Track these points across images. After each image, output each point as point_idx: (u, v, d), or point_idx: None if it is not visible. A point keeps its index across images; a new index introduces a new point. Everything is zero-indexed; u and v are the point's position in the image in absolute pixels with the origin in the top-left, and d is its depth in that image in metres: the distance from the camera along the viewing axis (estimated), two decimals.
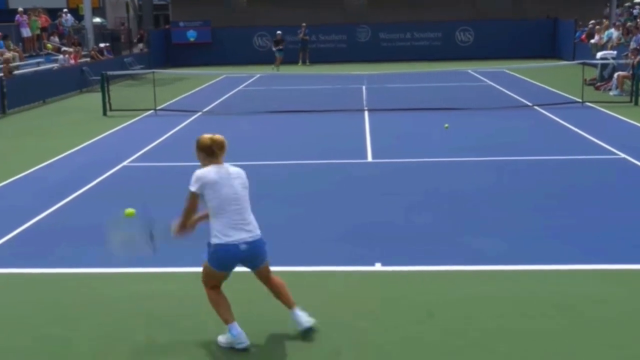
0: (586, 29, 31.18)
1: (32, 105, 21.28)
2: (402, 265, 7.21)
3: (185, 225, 5.46)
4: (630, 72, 19.77)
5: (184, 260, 6.89)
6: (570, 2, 36.77)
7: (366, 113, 17.73)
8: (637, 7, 35.27)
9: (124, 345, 5.58)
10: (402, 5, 37.65)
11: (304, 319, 5.61)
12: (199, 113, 18.43)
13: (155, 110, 18.75)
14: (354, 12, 37.81)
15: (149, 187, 10.85)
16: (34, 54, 28.10)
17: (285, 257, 7.55)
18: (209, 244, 5.34)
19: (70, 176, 11.57)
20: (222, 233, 5.27)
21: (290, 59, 32.45)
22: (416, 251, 7.67)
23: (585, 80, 20.31)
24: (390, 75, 24.32)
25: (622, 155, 12.15)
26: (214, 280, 5.46)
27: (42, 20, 29.50)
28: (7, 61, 21.97)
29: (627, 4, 37.97)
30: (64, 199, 10.06)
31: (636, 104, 18.25)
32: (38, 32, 28.90)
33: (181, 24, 36.49)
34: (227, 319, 5.42)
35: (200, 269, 5.57)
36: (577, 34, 32.00)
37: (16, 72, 22.84)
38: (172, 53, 35.78)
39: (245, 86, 25.44)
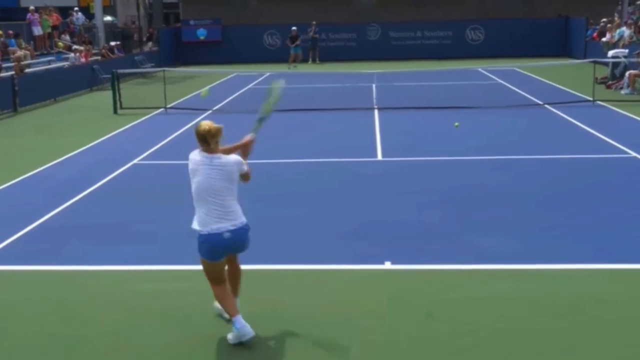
0: (597, 27, 31.01)
1: (43, 103, 21.38)
2: (412, 263, 7.21)
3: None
4: None
5: (195, 259, 6.89)
6: (581, 0, 36.57)
7: (376, 111, 17.71)
8: None
9: (135, 342, 5.61)
10: (412, 3, 37.56)
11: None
12: (209, 111, 18.46)
13: (165, 108, 18.80)
14: (364, 11, 37.77)
15: (159, 185, 10.88)
16: (45, 52, 28.24)
17: (294, 255, 7.58)
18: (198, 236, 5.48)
19: (80, 174, 11.62)
20: (203, 223, 5.41)
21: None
22: (425, 250, 7.66)
23: (597, 78, 20.22)
24: (400, 74, 24.28)
25: (633, 154, 12.09)
26: (213, 272, 5.53)
27: (53, 18, 29.65)
28: (18, 59, 22.09)
29: (638, 2, 37.74)
30: (74, 197, 10.10)
31: None
32: (49, 30, 29.05)
33: (191, 22, 36.55)
34: (231, 313, 5.48)
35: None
36: (589, 32, 31.84)
37: (27, 70, 22.96)
38: (182, 51, 35.84)
39: (255, 84, 25.46)
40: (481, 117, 16.67)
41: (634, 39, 25.64)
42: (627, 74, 20.65)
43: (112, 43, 31.22)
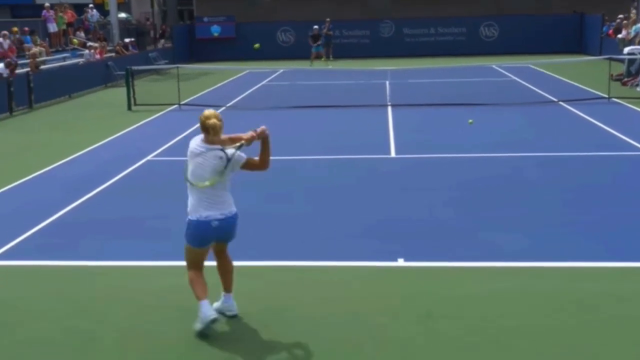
0: (613, 23, 30.78)
1: (58, 99, 21.50)
2: (425, 261, 7.19)
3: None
4: None
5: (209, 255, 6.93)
6: None
7: (389, 108, 17.68)
8: None
9: (148, 338, 5.63)
10: (425, 0, 37.44)
11: (233, 305, 5.86)
12: (223, 108, 18.50)
13: (179, 105, 18.86)
14: (378, 8, 37.68)
15: (172, 182, 10.90)
16: (60, 49, 28.39)
17: (307, 251, 7.59)
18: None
19: (94, 170, 11.68)
20: (193, 210, 5.56)
21: (310, 55, 31.96)
22: (439, 247, 7.64)
23: (612, 75, 20.08)
24: (414, 71, 24.22)
25: None
26: (194, 259, 5.65)
27: (68, 15, 29.79)
28: (33, 56, 22.22)
29: None
30: (88, 192, 10.16)
31: None
32: (64, 27, 29.19)
33: (205, 19, 36.62)
34: (198, 296, 5.58)
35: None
36: (604, 28, 31.61)
37: (43, 67, 23.10)
38: (196, 48, 35.91)
39: (268, 81, 25.49)
40: (495, 114, 16.60)
41: None
42: None
43: (127, 40, 31.34)
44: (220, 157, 5.53)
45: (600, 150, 12.38)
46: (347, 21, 35.94)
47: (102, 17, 33.83)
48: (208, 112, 5.68)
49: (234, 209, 5.64)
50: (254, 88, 23.37)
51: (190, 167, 5.61)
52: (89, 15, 32.26)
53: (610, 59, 20.78)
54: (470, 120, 14.73)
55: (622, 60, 22.44)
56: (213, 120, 5.56)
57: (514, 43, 34.33)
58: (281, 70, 28.09)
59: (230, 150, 5.59)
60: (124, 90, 19.72)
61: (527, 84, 22.22)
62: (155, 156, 12.62)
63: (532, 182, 10.36)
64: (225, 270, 5.88)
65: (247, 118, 16.88)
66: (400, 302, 6.19)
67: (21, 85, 19.32)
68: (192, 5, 42.46)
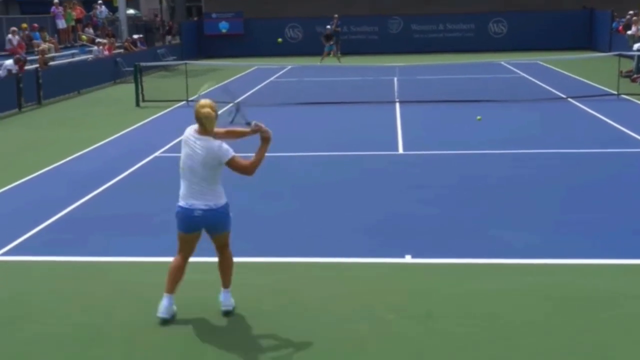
0: (623, 19, 30.62)
1: (67, 96, 21.56)
2: (432, 257, 7.18)
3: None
4: None
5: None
6: None
7: (397, 105, 17.65)
8: None
9: (156, 333, 5.64)
10: None
11: (229, 301, 5.89)
12: (231, 104, 18.47)
13: (187, 101, 18.86)
14: (386, 4, 37.58)
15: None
16: (69, 45, 28.48)
17: (315, 248, 7.59)
18: None
19: (103, 166, 11.71)
20: (181, 196, 5.67)
21: (318, 51, 31.86)
22: (446, 244, 7.63)
23: (621, 72, 19.99)
24: (422, 67, 24.17)
25: None
26: (179, 244, 5.78)
27: (77, 11, 29.88)
28: (42, 52, 22.29)
29: None
30: (97, 189, 10.19)
31: None
32: (73, 23, 29.28)
33: (213, 15, 36.64)
34: (166, 289, 5.76)
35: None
36: (614, 24, 31.46)
37: (51, 63, 23.16)
38: (204, 44, 35.94)
39: (276, 77, 25.49)
40: (504, 110, 16.56)
41: None
42: None
43: (135, 36, 31.40)
44: (208, 149, 5.53)
45: (610, 147, 12.32)
46: (355, 17, 35.89)
47: (111, 13, 33.91)
48: (204, 101, 5.69)
49: (221, 202, 5.62)
50: (262, 84, 23.38)
51: (182, 156, 5.67)
52: (97, 12, 32.35)
53: (619, 55, 20.66)
54: (479, 117, 14.73)
55: (631, 57, 22.33)
56: (207, 110, 5.58)
57: (523, 39, 34.22)
58: (289, 67, 28.09)
59: (217, 142, 5.58)
60: (132, 86, 19.76)
61: (536, 81, 22.14)
62: (163, 152, 12.64)
63: (541, 178, 10.32)
64: (223, 266, 5.91)
65: (255, 114, 16.88)
66: (407, 299, 6.18)
67: (30, 81, 19.38)
68: (200, 1, 42.51)
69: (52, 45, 25.63)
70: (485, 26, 35.49)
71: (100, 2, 33.01)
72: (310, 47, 32.87)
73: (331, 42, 31.15)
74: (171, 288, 5.79)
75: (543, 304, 6.02)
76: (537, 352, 5.24)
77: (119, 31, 32.04)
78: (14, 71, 19.48)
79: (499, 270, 6.86)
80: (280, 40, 12.16)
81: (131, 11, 39.56)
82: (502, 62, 26.32)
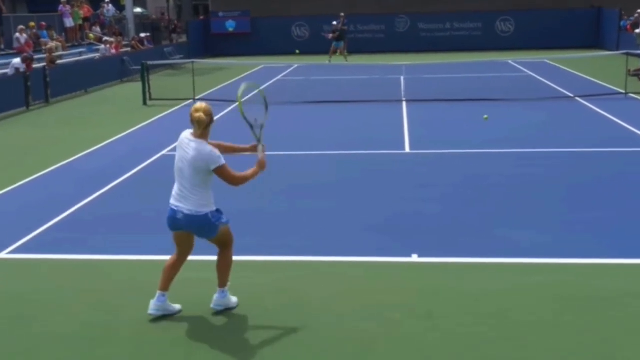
0: (632, 18, 30.51)
1: (75, 94, 21.62)
2: (439, 256, 7.18)
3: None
4: None
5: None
6: None
7: (404, 104, 17.64)
8: None
9: (164, 331, 5.66)
10: None
11: (219, 301, 5.88)
12: (237, 103, 18.50)
13: (194, 99, 18.89)
14: (393, 2, 37.53)
15: None
16: (77, 44, 28.56)
17: (321, 247, 7.59)
18: None
19: (110, 165, 11.74)
20: (172, 196, 5.73)
21: (325, 49, 31.72)
22: (453, 243, 7.62)
23: (629, 70, 19.91)
24: (429, 66, 24.14)
25: None
26: (174, 242, 5.85)
27: (85, 10, 29.96)
28: (50, 51, 22.36)
29: None
30: (104, 187, 10.22)
31: None
32: (80, 22, 29.36)
33: (220, 14, 36.67)
34: (159, 286, 5.84)
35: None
36: (622, 23, 31.34)
37: (59, 61, 23.23)
38: (211, 43, 35.96)
39: (283, 76, 25.49)
40: (511, 109, 16.52)
41: None
42: None
43: (142, 35, 31.46)
44: (199, 151, 5.55)
45: (617, 146, 12.28)
46: (362, 16, 35.85)
47: (118, 12, 33.99)
48: (199, 105, 5.72)
49: (204, 210, 5.58)
50: (269, 83, 23.38)
51: (176, 158, 5.72)
52: (104, 10, 32.43)
53: (627, 54, 20.58)
54: (486, 116, 14.70)
55: (639, 56, 22.24)
56: (198, 114, 5.60)
57: (530, 38, 34.13)
58: (296, 65, 28.09)
59: (210, 148, 5.60)
60: (139, 85, 19.80)
61: (543, 80, 22.08)
62: (170, 151, 12.65)
63: (548, 177, 10.29)
64: (219, 264, 5.90)
65: (261, 113, 16.89)
66: (414, 298, 6.18)
67: (38, 80, 19.44)
68: (207, 0, 42.55)
69: (59, 43, 25.71)
70: (493, 25, 35.40)
71: (107, 0, 33.09)
72: (317, 45, 32.85)
73: (336, 37, 30.77)
74: (163, 285, 5.83)
75: (550, 303, 6.01)
76: (545, 351, 5.23)
77: (126, 30, 32.11)
78: (21, 70, 19.55)
79: (506, 270, 6.85)
80: (298, 51, 12.12)
81: (138, 10, 39.64)
82: (509, 61, 26.26)
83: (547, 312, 5.85)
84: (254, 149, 5.94)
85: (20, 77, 18.88)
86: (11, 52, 23.28)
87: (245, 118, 5.84)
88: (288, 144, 12.91)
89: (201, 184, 5.58)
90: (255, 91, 5.99)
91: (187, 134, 5.70)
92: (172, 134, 14.25)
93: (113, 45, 27.35)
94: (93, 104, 19.91)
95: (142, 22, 35.15)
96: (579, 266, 6.89)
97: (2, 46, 24.05)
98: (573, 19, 34.38)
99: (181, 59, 29.39)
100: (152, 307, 5.81)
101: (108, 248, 7.70)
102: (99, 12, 32.38)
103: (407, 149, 12.50)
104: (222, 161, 5.59)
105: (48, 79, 19.83)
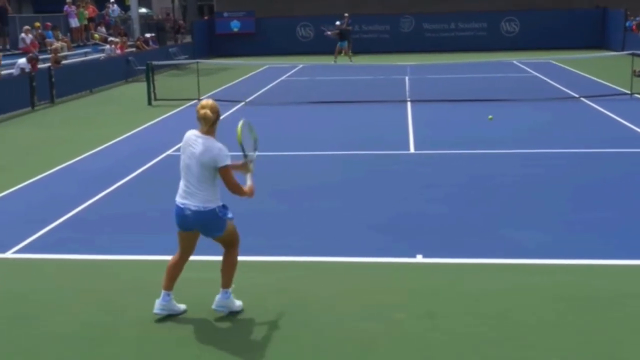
0: (638, 18, 30.45)
1: (80, 94, 21.67)
2: (443, 257, 7.17)
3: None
4: None
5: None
6: None
7: (409, 104, 17.62)
8: None
9: (168, 331, 5.66)
10: None
11: (221, 302, 5.84)
12: (242, 103, 18.54)
13: (199, 100, 18.90)
14: (398, 2, 37.50)
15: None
16: (82, 44, 28.62)
17: (325, 247, 7.59)
18: None
19: (114, 165, 11.76)
20: (178, 194, 5.71)
21: (329, 50, 31.70)
22: (457, 243, 7.61)
23: (635, 71, 19.85)
24: (434, 66, 24.12)
25: None
26: (178, 240, 5.82)
27: (90, 10, 30.02)
28: (55, 51, 22.42)
29: None
30: (109, 187, 10.23)
31: None
32: (85, 22, 29.43)
33: (225, 14, 36.70)
34: (163, 285, 5.83)
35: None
36: (628, 23, 31.27)
37: (64, 62, 23.28)
38: (215, 43, 36.00)
39: (288, 76, 25.50)
40: (515, 110, 16.50)
41: None
42: None
43: (147, 35, 31.51)
44: (208, 146, 5.55)
45: (622, 146, 12.25)
46: (367, 16, 35.84)
47: (123, 12, 34.04)
48: (205, 101, 5.71)
49: (211, 205, 5.57)
50: (273, 83, 23.40)
51: (181, 157, 5.69)
52: (110, 11, 32.50)
53: (633, 54, 20.51)
54: (490, 117, 14.68)
55: None
56: (204, 111, 5.59)
57: (535, 38, 34.08)
58: (301, 66, 28.10)
59: (220, 145, 5.59)
60: (144, 85, 19.83)
61: (548, 80, 22.04)
62: (175, 151, 12.65)
63: (552, 178, 10.27)
64: (224, 264, 5.86)
65: (266, 113, 16.92)
66: (416, 298, 6.17)
67: (43, 80, 19.48)
68: (212, 0, 42.59)
69: (64, 44, 25.77)
70: (498, 25, 35.36)
71: (112, 1, 33.16)
72: (321, 46, 32.84)
73: (340, 37, 30.68)
74: (168, 285, 5.82)
75: (554, 304, 6.00)
76: (547, 351, 5.22)
77: (131, 30, 32.16)
78: (27, 70, 19.60)
79: (508, 270, 6.84)
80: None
81: (143, 10, 39.69)
82: (514, 61, 26.22)
83: (550, 313, 5.84)
84: (244, 166, 5.87)
85: (25, 77, 18.93)
86: (17, 52, 23.34)
87: (241, 145, 5.79)
88: (292, 144, 12.92)
89: (208, 180, 5.57)
90: (248, 133, 5.96)
91: (193, 132, 5.69)
92: (177, 134, 14.26)
93: (118, 46, 27.40)
94: (98, 104, 19.95)
95: (147, 23, 35.20)
96: (581, 267, 6.88)
97: (8, 46, 24.12)
98: (578, 19, 34.31)
99: (186, 59, 29.42)
100: (158, 306, 5.81)
101: (113, 248, 7.71)
102: (104, 12, 32.44)
103: (412, 149, 12.49)
104: (229, 161, 5.60)
105: (53, 79, 19.88)
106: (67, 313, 6.07)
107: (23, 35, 23.69)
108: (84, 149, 12.97)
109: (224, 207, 5.69)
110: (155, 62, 21.01)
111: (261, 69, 27.91)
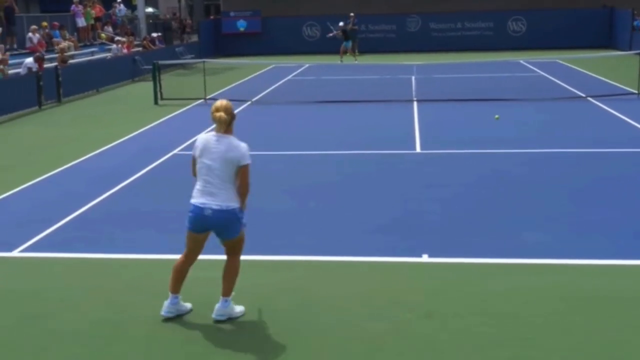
0: None
1: (86, 93, 21.72)
2: (449, 257, 7.16)
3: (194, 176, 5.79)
4: None
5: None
6: None
7: (415, 103, 17.61)
8: None
9: (174, 330, 5.67)
10: None
11: (221, 311, 5.75)
12: (248, 102, 18.56)
13: (205, 99, 18.94)
14: (404, 2, 37.46)
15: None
16: (88, 43, 28.68)
17: (332, 246, 7.59)
18: None
19: (121, 164, 11.79)
20: (193, 194, 5.65)
21: (335, 49, 31.62)
22: (463, 243, 7.60)
23: None
24: (440, 66, 24.09)
25: None
26: (186, 243, 5.76)
27: (97, 10, 30.09)
28: (62, 51, 22.46)
29: None
30: (115, 186, 10.25)
31: None
32: (92, 22, 29.49)
33: (231, 13, 36.73)
34: (170, 288, 5.80)
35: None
36: (635, 23, 31.17)
37: (71, 61, 23.33)
38: (222, 43, 36.02)
39: (294, 76, 25.51)
40: (522, 109, 16.47)
41: None
42: None
43: (154, 34, 31.56)
44: (231, 145, 5.53)
45: (629, 146, 12.22)
46: (373, 16, 35.81)
47: (130, 11, 34.10)
48: (219, 103, 5.66)
49: (233, 205, 5.55)
50: (279, 83, 23.41)
51: (199, 159, 5.62)
52: (116, 10, 32.57)
53: None
54: (497, 116, 14.66)
55: None
56: (219, 114, 5.56)
57: (542, 38, 33.99)
58: (307, 65, 28.10)
59: (244, 144, 5.59)
60: (150, 84, 19.86)
61: (555, 80, 21.99)
62: (181, 150, 12.69)
63: (559, 178, 10.25)
64: (226, 271, 5.78)
65: (272, 112, 16.93)
66: (424, 298, 6.17)
67: (50, 79, 19.53)
68: (218, 0, 42.62)
69: (71, 43, 25.82)
70: (504, 24, 35.28)
71: (119, 0, 33.21)
72: (328, 45, 32.83)
73: (344, 37, 30.62)
74: (175, 288, 5.78)
75: (560, 304, 5.99)
76: (554, 351, 5.21)
77: (137, 29, 32.22)
78: (34, 69, 19.66)
79: (516, 270, 6.83)
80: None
81: (150, 10, 39.76)
82: (521, 61, 26.17)
83: (556, 313, 5.82)
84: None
85: (32, 76, 18.99)
86: (24, 51, 23.41)
87: None
88: (298, 144, 12.92)
89: (230, 180, 5.55)
90: None
91: (209, 134, 5.65)
92: (184, 133, 14.39)
93: (125, 45, 27.45)
94: (105, 104, 19.99)
95: (154, 22, 35.26)
96: (589, 267, 6.86)
97: (15, 46, 24.19)
98: (585, 19, 34.21)
99: (192, 58, 29.46)
100: (166, 309, 5.80)
101: (119, 247, 7.73)
102: (110, 12, 32.51)
103: (418, 149, 12.48)
104: (250, 161, 5.60)
105: (60, 79, 19.92)
106: (76, 311, 6.09)
107: (30, 34, 23.76)
108: (90, 148, 13.00)
109: (241, 210, 5.66)
110: (161, 62, 21.03)
111: (267, 69, 27.93)
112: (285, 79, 24.54)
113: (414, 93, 19.37)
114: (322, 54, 32.19)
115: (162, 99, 19.19)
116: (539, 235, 7.76)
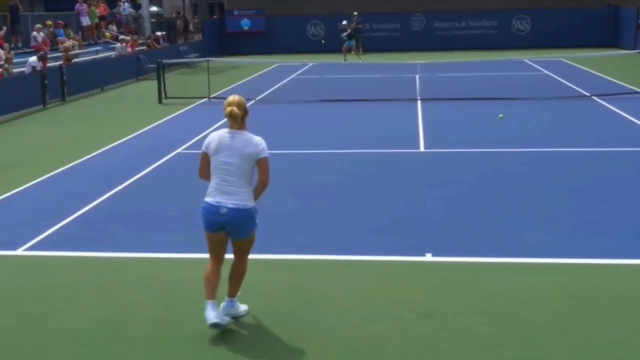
0: None
1: (91, 92, 21.76)
2: (453, 256, 7.15)
3: (201, 177, 5.75)
4: None
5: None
6: None
7: (419, 102, 17.60)
8: None
9: (177, 329, 5.68)
10: None
11: (226, 311, 5.66)
12: (253, 101, 18.56)
13: (209, 98, 18.96)
14: (408, 1, 37.41)
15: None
16: (93, 42, 28.72)
17: (335, 246, 7.59)
18: None
19: (125, 163, 11.81)
20: (209, 192, 5.53)
21: (340, 48, 31.52)
22: (467, 242, 7.60)
23: None
24: (445, 65, 24.06)
25: None
26: (208, 245, 5.61)
27: (101, 9, 30.13)
28: (67, 50, 22.50)
29: None
30: (119, 185, 10.27)
31: None
32: (97, 21, 29.52)
33: (236, 12, 36.75)
34: (206, 295, 5.53)
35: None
36: None
37: (75, 60, 23.38)
38: (226, 42, 36.05)
39: (298, 75, 25.51)
40: (527, 108, 16.44)
41: None
42: None
43: (158, 33, 31.58)
44: (248, 140, 5.47)
45: (634, 145, 12.18)
46: (377, 15, 35.78)
47: (134, 11, 34.13)
48: (231, 98, 5.58)
49: (249, 204, 5.45)
50: (284, 81, 23.41)
51: (214, 157, 5.52)
52: (121, 9, 32.59)
53: None
54: (501, 115, 14.64)
55: None
56: (231, 108, 5.48)
57: (547, 37, 33.93)
58: (311, 64, 28.10)
59: (260, 138, 5.54)
60: (155, 83, 19.89)
61: (559, 79, 21.95)
62: (185, 149, 12.71)
63: (563, 177, 10.23)
64: (234, 272, 5.70)
65: (277, 111, 16.93)
66: (425, 298, 6.16)
67: (54, 78, 19.58)
68: None
69: (76, 42, 25.85)
70: (509, 23, 35.23)
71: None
72: (332, 44, 32.82)
73: (349, 35, 30.49)
74: (210, 294, 5.54)
75: (561, 304, 5.98)
76: (555, 351, 5.20)
77: (142, 29, 32.25)
78: (38, 68, 19.70)
79: (519, 270, 6.82)
80: (323, 42, 12.16)
81: (154, 9, 39.80)
82: (526, 60, 26.13)
83: (557, 313, 5.81)
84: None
85: (37, 75, 19.03)
86: (29, 50, 23.46)
87: None
88: (302, 143, 12.92)
89: (248, 177, 5.46)
90: None
91: (222, 131, 5.56)
92: (187, 132, 14.41)
93: (129, 44, 27.48)
94: (109, 103, 20.03)
95: (158, 21, 35.28)
96: (592, 267, 6.85)
97: (20, 45, 24.24)
98: (590, 17, 34.13)
99: (196, 57, 29.48)
100: (210, 316, 5.43)
101: (123, 246, 7.74)
102: (115, 11, 32.54)
103: (422, 148, 12.47)
104: (268, 155, 5.52)
105: (65, 78, 19.96)
106: (78, 310, 6.11)
107: (35, 33, 23.80)
108: (94, 147, 13.03)
109: (257, 210, 5.59)
110: (166, 61, 21.06)
111: (272, 68, 27.93)
112: (290, 78, 24.54)
113: (418, 92, 19.36)
114: (327, 53, 32.17)
115: (166, 98, 19.22)
116: (540, 235, 7.75)
